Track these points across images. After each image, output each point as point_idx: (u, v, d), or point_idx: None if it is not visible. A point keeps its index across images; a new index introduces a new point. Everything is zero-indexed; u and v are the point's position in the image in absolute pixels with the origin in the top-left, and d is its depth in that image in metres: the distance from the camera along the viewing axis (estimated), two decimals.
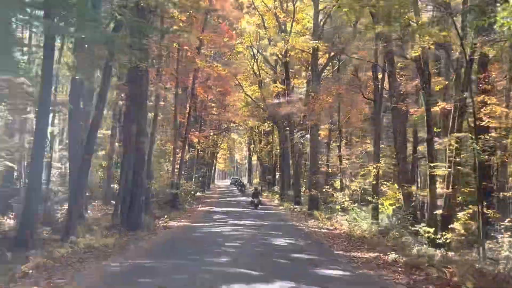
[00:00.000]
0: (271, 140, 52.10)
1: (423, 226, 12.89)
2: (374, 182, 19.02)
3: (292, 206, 28.36)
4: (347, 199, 19.49)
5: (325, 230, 17.50)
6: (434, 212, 12.83)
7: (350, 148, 29.79)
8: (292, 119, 32.47)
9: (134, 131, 15.41)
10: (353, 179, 25.38)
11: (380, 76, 19.28)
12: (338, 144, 26.64)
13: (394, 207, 17.97)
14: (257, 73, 40.62)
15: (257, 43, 38.48)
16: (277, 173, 52.08)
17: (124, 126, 16.55)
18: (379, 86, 18.87)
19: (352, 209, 18.84)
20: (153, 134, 23.92)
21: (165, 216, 20.25)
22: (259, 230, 16.55)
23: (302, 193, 30.44)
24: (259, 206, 27.80)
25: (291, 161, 36.95)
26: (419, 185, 21.76)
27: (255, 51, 41.52)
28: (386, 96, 20.18)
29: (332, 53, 26.98)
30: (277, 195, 39.25)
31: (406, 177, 17.47)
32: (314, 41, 24.51)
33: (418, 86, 18.13)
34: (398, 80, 18.17)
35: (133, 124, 15.48)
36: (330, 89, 21.75)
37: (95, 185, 25.07)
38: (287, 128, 38.94)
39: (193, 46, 26.50)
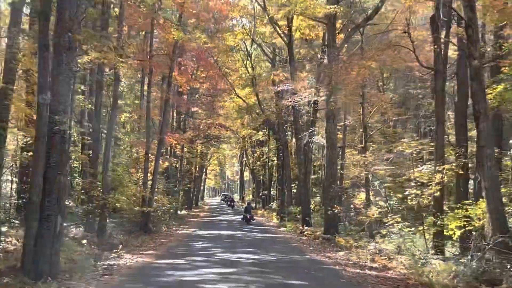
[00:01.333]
0: (266, 150, 45.78)
1: None
2: (438, 194, 12.46)
3: (300, 228, 21.70)
4: (399, 219, 12.85)
5: (372, 271, 10.76)
6: None
7: (371, 153, 23.20)
8: (297, 117, 25.91)
9: (47, 103, 8.73)
10: (384, 191, 18.81)
11: (443, 35, 12.75)
12: (362, 145, 20.06)
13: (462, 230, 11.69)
14: (251, 70, 34.39)
15: (251, 32, 32.37)
16: (272, 189, 45.68)
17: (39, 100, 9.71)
18: (443, 45, 12.38)
19: (405, 234, 12.20)
20: (110, 130, 17.37)
21: (120, 247, 13.48)
22: (267, 274, 9.75)
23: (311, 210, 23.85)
24: (252, 221, 27.47)
25: (291, 173, 30.46)
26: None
27: (248, 47, 35.55)
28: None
29: (349, 29, 20.74)
30: (275, 213, 32.73)
31: (496, 184, 10.91)
32: (332, 6, 18.25)
33: None
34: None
35: (45, 92, 8.80)
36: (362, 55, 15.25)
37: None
38: (288, 132, 32.60)
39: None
